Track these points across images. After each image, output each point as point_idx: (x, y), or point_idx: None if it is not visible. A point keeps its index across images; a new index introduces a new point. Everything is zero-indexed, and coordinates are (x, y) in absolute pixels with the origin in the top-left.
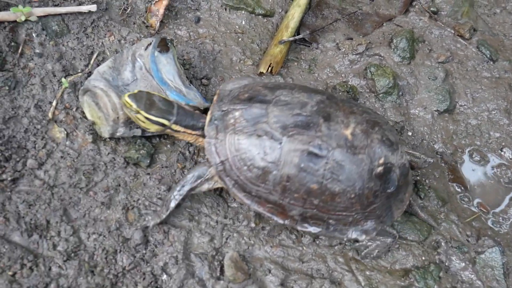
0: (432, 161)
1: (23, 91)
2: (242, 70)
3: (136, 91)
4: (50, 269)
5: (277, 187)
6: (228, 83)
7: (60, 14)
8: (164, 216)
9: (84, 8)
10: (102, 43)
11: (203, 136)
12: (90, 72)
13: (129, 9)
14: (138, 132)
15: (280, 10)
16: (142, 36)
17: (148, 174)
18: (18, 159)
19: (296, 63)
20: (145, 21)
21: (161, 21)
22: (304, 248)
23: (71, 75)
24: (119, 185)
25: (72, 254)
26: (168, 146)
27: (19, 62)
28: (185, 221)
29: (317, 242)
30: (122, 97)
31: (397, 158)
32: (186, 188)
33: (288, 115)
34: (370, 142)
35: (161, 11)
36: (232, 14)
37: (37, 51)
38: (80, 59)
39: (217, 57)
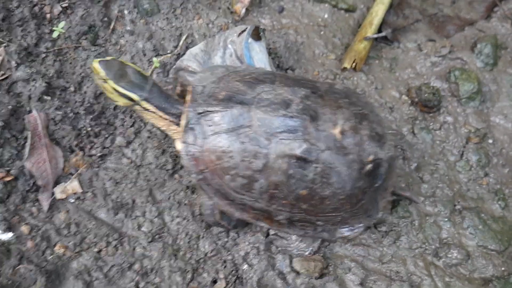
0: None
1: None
2: (324, 63)
3: (109, 58)
4: (134, 249)
5: (264, 195)
6: (195, 76)
7: None
8: (233, 228)
9: None
10: (190, 25)
11: (177, 124)
12: (179, 53)
13: None
14: None
15: (362, 6)
16: (230, 21)
17: None
18: (107, 136)
19: (377, 61)
20: (230, 7)
21: (246, 8)
22: (385, 249)
23: (161, 55)
24: None
25: (156, 236)
26: None
27: (111, 38)
28: None
29: (398, 244)
30: (92, 62)
31: (385, 152)
32: (219, 222)
33: (272, 118)
34: (359, 140)
35: None
36: (316, 7)
37: (128, 28)
38: (170, 40)
39: (300, 49)
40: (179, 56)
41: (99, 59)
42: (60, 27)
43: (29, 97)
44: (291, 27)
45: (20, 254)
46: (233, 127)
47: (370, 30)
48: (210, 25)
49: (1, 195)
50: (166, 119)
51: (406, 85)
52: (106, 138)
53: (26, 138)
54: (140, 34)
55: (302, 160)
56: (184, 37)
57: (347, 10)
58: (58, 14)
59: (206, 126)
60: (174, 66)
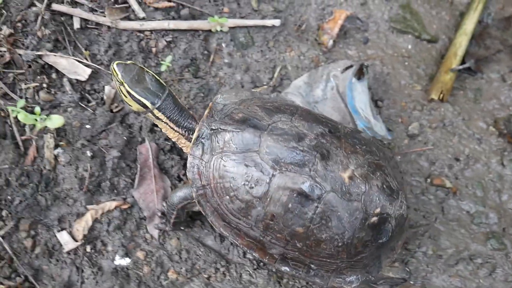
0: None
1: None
2: (411, 94)
3: (129, 62)
4: (241, 276)
5: (260, 224)
6: (222, 94)
7: (246, 27)
8: (171, 227)
9: (268, 22)
10: (283, 57)
11: (187, 139)
12: (274, 85)
13: (303, 26)
14: None
15: (444, 37)
16: (320, 53)
17: None
18: None
19: (461, 92)
20: (317, 38)
21: (333, 40)
22: (481, 280)
23: (258, 87)
24: None
25: (261, 263)
26: None
27: (211, 70)
28: None
29: (493, 276)
30: (112, 64)
31: (395, 209)
32: (175, 210)
33: (282, 148)
34: (368, 189)
35: (336, 30)
36: (399, 38)
37: (226, 61)
38: (265, 71)
39: (387, 80)
40: (275, 87)
41: (118, 62)
42: (167, 61)
43: (140, 128)
44: (376, 58)
45: (138, 279)
46: (241, 149)
47: (455, 61)
48: (302, 57)
49: (118, 222)
50: (177, 132)
51: (492, 116)
52: None
53: (137, 167)
54: (237, 67)
55: (304, 196)
56: (278, 69)
57: (429, 41)
58: (163, 48)
59: (216, 143)
60: (277, 96)
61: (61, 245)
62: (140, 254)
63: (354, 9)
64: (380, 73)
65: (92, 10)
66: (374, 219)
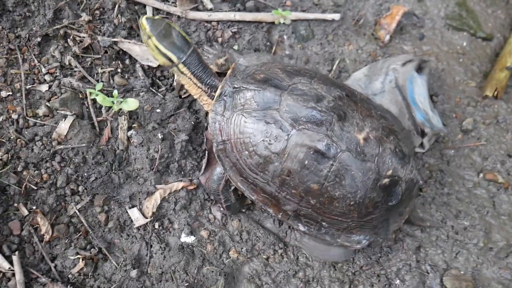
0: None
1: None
2: (465, 90)
3: (156, 17)
4: (297, 258)
5: (276, 179)
6: (245, 57)
7: (307, 20)
8: (227, 212)
9: (329, 16)
10: (341, 51)
11: (209, 96)
12: (333, 77)
13: (361, 20)
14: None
15: (499, 35)
16: (377, 48)
17: None
18: None
19: None
20: (374, 33)
21: (390, 35)
22: None
23: None
24: None
25: None
26: None
27: None
28: (417, 231)
29: None
30: (141, 18)
31: (406, 172)
32: (219, 194)
33: (301, 107)
34: (382, 151)
35: (393, 25)
36: (454, 35)
37: (287, 52)
38: (324, 64)
39: (442, 76)
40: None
41: (147, 16)
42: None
43: (206, 114)
44: (432, 54)
45: (202, 256)
46: (262, 107)
47: (510, 60)
48: (360, 51)
49: (184, 202)
50: (200, 88)
51: None
52: None
53: (204, 151)
54: (298, 58)
55: (320, 154)
56: (337, 62)
57: (484, 39)
58: (228, 39)
59: (238, 100)
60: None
61: (131, 221)
62: (204, 233)
63: (411, 5)
64: (435, 69)
65: (163, 0)
66: (386, 180)
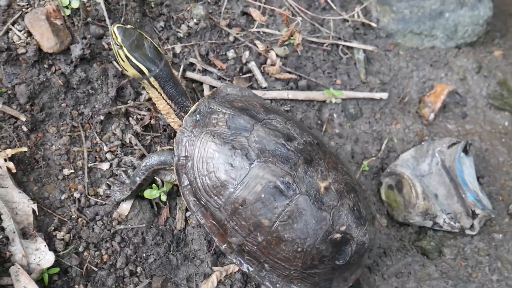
0: None
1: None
2: (509, 172)
3: (128, 26)
4: None
5: (229, 206)
6: (229, 87)
7: (356, 98)
8: (128, 194)
9: (377, 95)
10: (389, 130)
11: (177, 115)
12: (382, 157)
13: (406, 98)
14: (428, 224)
15: None
16: (424, 128)
17: (435, 265)
18: None
19: None
20: (418, 111)
21: (435, 114)
22: None
23: (367, 158)
24: (410, 273)
25: None
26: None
27: (323, 139)
28: None
29: None
30: (112, 26)
31: (360, 234)
32: (149, 169)
33: (271, 141)
34: (340, 205)
35: (438, 104)
36: (496, 114)
37: (337, 131)
38: (373, 143)
39: (486, 156)
40: (383, 159)
41: (118, 25)
42: None
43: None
44: (475, 134)
45: None
46: (233, 132)
47: None
48: (406, 130)
49: (240, 285)
50: (169, 105)
51: None
52: None
53: None
54: (347, 137)
55: (278, 190)
56: (385, 142)
57: None
58: None
59: (210, 120)
60: (387, 170)
61: None
62: None
63: (454, 84)
64: (479, 149)
65: (220, 78)
66: (338, 235)
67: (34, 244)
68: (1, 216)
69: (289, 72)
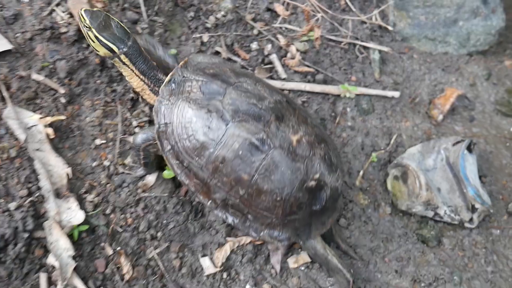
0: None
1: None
2: (511, 174)
3: (95, 9)
4: None
5: (210, 165)
6: (199, 55)
7: (369, 95)
8: (143, 172)
9: (389, 94)
10: (399, 126)
11: (152, 90)
12: (390, 151)
13: (417, 99)
14: (429, 214)
15: None
16: (432, 127)
17: (434, 253)
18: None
19: None
20: (428, 112)
21: (443, 115)
22: None
23: (376, 151)
24: (409, 258)
25: None
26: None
27: (336, 130)
28: None
29: None
30: (80, 10)
31: (332, 179)
32: (139, 148)
33: (243, 102)
34: (312, 155)
35: (447, 106)
36: (503, 120)
37: (349, 124)
38: (382, 137)
39: (489, 158)
40: (391, 153)
41: (85, 8)
42: None
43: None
44: (481, 136)
45: None
46: (207, 97)
47: None
48: (415, 128)
49: (250, 256)
50: (142, 80)
51: None
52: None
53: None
54: (359, 130)
55: (254, 147)
56: (394, 137)
57: None
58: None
59: (185, 88)
60: (394, 162)
61: (202, 268)
62: (266, 287)
63: (463, 88)
64: (483, 151)
65: (242, 67)
66: (312, 183)
67: (66, 204)
68: (39, 176)
69: (308, 66)
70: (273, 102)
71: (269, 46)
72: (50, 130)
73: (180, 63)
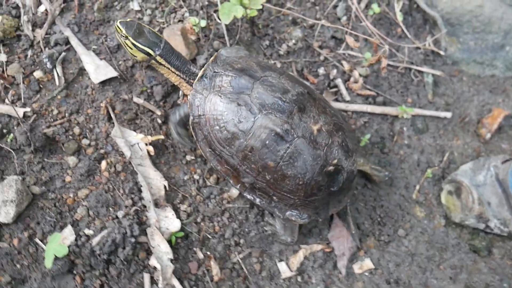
0: (389, 174)
1: (395, 172)
2: None
3: (128, 19)
4: None
5: (240, 153)
6: (227, 49)
7: (424, 116)
8: (187, 145)
9: (442, 114)
10: (451, 144)
11: (187, 82)
12: (443, 168)
13: (466, 118)
14: (481, 226)
15: None
16: (481, 145)
17: (485, 262)
18: (390, 227)
19: None
20: (476, 130)
21: (491, 134)
22: None
23: (430, 167)
24: (462, 266)
25: None
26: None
27: (394, 148)
28: None
29: None
30: (115, 23)
31: (349, 164)
32: (176, 125)
33: (269, 96)
34: (331, 143)
35: (494, 126)
36: None
37: (406, 142)
38: (436, 155)
39: None
40: (444, 169)
41: (120, 20)
42: (366, 138)
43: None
44: None
45: None
46: (236, 91)
47: None
48: (465, 146)
49: (321, 262)
50: (178, 76)
51: None
52: (390, 228)
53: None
54: (414, 148)
55: (279, 137)
56: (446, 154)
57: None
58: (360, 127)
59: (216, 83)
60: (448, 178)
61: (279, 272)
62: None
63: (510, 109)
64: None
65: None
66: (331, 168)
67: (164, 212)
68: (141, 188)
69: (369, 89)
70: (296, 94)
71: (334, 71)
72: (151, 148)
73: (211, 58)
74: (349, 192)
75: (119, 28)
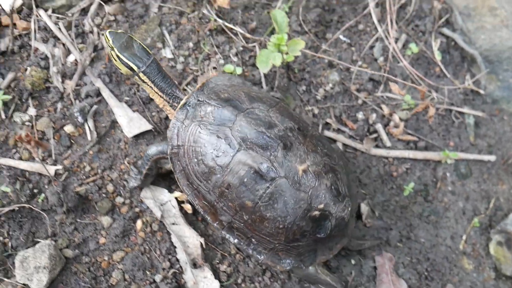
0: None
1: (440, 221)
2: None
3: (119, 31)
4: None
5: (216, 189)
6: (219, 77)
7: (467, 160)
8: (139, 182)
9: (485, 158)
10: (495, 189)
11: (171, 106)
12: (490, 215)
13: (510, 160)
14: None
15: None
16: None
17: None
18: (438, 281)
19: None
20: None
21: None
22: None
23: (476, 215)
24: None
25: None
26: None
27: (437, 195)
28: None
29: None
30: (105, 32)
31: (338, 210)
32: (150, 159)
33: (252, 130)
34: (317, 185)
35: None
36: None
37: (449, 188)
38: (481, 201)
39: None
40: (491, 217)
41: (110, 30)
42: (410, 187)
43: (387, 241)
44: None
45: None
46: (218, 122)
47: None
48: (511, 191)
49: None
50: (161, 97)
51: None
52: (438, 283)
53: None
54: (459, 195)
55: (259, 175)
56: (492, 200)
57: None
58: (401, 174)
59: (198, 112)
60: (497, 228)
61: None
62: None
63: None
64: None
65: (350, 137)
66: (316, 212)
67: (202, 273)
68: (176, 249)
69: (410, 134)
70: (283, 129)
71: (374, 115)
72: (188, 206)
73: (198, 85)
74: (343, 239)
75: (107, 37)
